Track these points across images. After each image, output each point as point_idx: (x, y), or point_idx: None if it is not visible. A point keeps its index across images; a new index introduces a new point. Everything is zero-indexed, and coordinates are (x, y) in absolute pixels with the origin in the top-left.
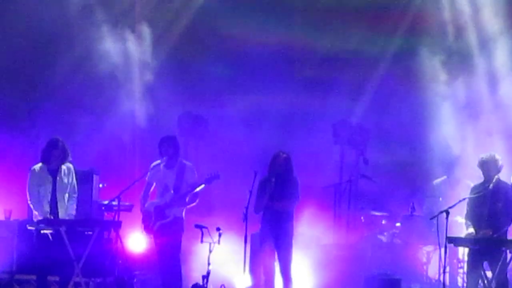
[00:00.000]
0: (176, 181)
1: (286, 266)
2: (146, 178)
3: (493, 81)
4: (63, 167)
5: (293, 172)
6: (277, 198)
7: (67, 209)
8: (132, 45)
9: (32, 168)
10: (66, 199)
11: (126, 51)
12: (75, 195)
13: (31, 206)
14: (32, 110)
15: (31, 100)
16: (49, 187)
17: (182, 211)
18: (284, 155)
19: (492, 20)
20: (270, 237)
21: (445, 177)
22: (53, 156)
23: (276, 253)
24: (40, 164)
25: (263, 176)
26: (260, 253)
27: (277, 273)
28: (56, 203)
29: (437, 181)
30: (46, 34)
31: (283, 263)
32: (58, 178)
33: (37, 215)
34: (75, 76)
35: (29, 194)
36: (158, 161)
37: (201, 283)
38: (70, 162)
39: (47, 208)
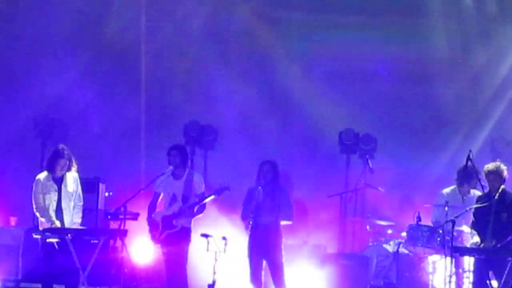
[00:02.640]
0: (184, 191)
1: (279, 278)
2: (155, 188)
3: None
4: (68, 175)
5: (279, 181)
6: (265, 209)
7: (72, 217)
8: None
9: (37, 177)
10: (71, 208)
11: None
12: (81, 204)
13: (37, 214)
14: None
15: None
16: (54, 196)
17: (190, 222)
18: (270, 163)
19: None
20: (258, 250)
21: (454, 186)
22: (58, 165)
23: (266, 264)
24: (45, 173)
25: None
26: (250, 265)
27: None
28: (62, 211)
29: (445, 190)
30: None
31: (276, 276)
32: (63, 186)
33: (44, 223)
34: None
35: (35, 202)
36: (166, 171)
37: None
38: (75, 170)
39: (53, 216)
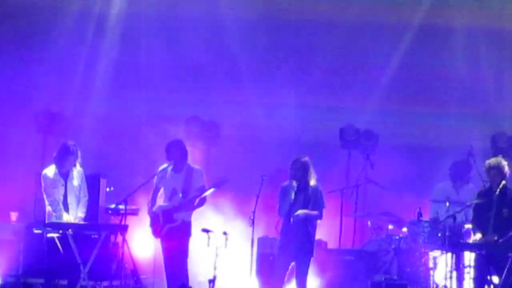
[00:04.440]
0: (184, 185)
1: (302, 277)
2: (154, 182)
3: None
4: (74, 170)
5: (311, 179)
6: (297, 207)
7: (77, 212)
8: None
9: (44, 172)
10: (76, 202)
11: None
12: (86, 198)
13: (50, 208)
14: (39, 114)
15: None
16: (61, 190)
17: (191, 215)
18: (302, 160)
19: None
20: (290, 247)
21: (448, 181)
22: (67, 161)
23: (293, 263)
24: (52, 167)
25: (286, 182)
26: (276, 261)
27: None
28: (68, 206)
29: (440, 185)
30: None
31: (300, 275)
32: (69, 181)
33: (53, 217)
34: None
35: (48, 197)
36: (165, 165)
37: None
38: (80, 165)
39: (62, 209)
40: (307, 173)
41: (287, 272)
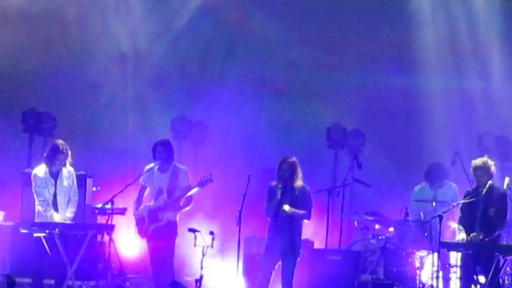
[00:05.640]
0: (169, 185)
1: (288, 277)
2: (141, 181)
3: None
4: (64, 170)
5: (298, 179)
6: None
7: (65, 212)
8: None
9: (34, 171)
10: (66, 202)
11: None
12: (76, 198)
13: (41, 208)
14: (25, 113)
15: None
16: (51, 190)
17: (176, 215)
18: (289, 161)
19: None
20: (276, 247)
21: (424, 182)
22: (57, 160)
23: (279, 262)
24: (42, 167)
25: (273, 182)
26: (262, 260)
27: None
28: (57, 206)
29: (417, 187)
30: None
31: (286, 275)
32: (59, 181)
33: (43, 216)
34: None
35: (38, 196)
36: (152, 165)
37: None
38: (71, 165)
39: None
40: (294, 174)
41: (273, 272)
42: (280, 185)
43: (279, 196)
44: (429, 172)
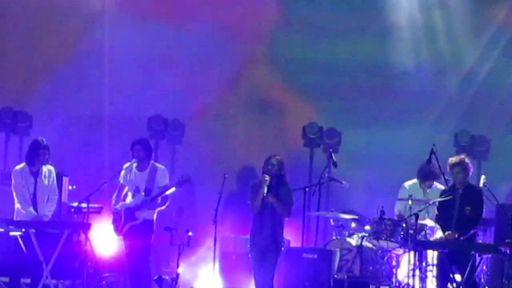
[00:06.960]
0: (147, 184)
1: (270, 273)
2: (120, 180)
3: None
4: (44, 168)
5: (285, 178)
6: (267, 205)
7: (44, 210)
8: None
9: (14, 169)
10: (45, 201)
11: None
12: (55, 197)
13: (19, 206)
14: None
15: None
16: (31, 188)
17: (153, 214)
18: (277, 157)
19: None
20: (259, 245)
21: (415, 179)
22: (40, 156)
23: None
24: (23, 165)
25: (256, 180)
26: (252, 259)
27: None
28: (37, 204)
29: (408, 183)
30: None
31: (267, 269)
32: (39, 180)
33: (22, 215)
34: None
35: (17, 194)
36: (128, 164)
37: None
38: (51, 164)
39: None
40: (281, 170)
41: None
42: (267, 177)
43: (265, 190)
44: (422, 170)
